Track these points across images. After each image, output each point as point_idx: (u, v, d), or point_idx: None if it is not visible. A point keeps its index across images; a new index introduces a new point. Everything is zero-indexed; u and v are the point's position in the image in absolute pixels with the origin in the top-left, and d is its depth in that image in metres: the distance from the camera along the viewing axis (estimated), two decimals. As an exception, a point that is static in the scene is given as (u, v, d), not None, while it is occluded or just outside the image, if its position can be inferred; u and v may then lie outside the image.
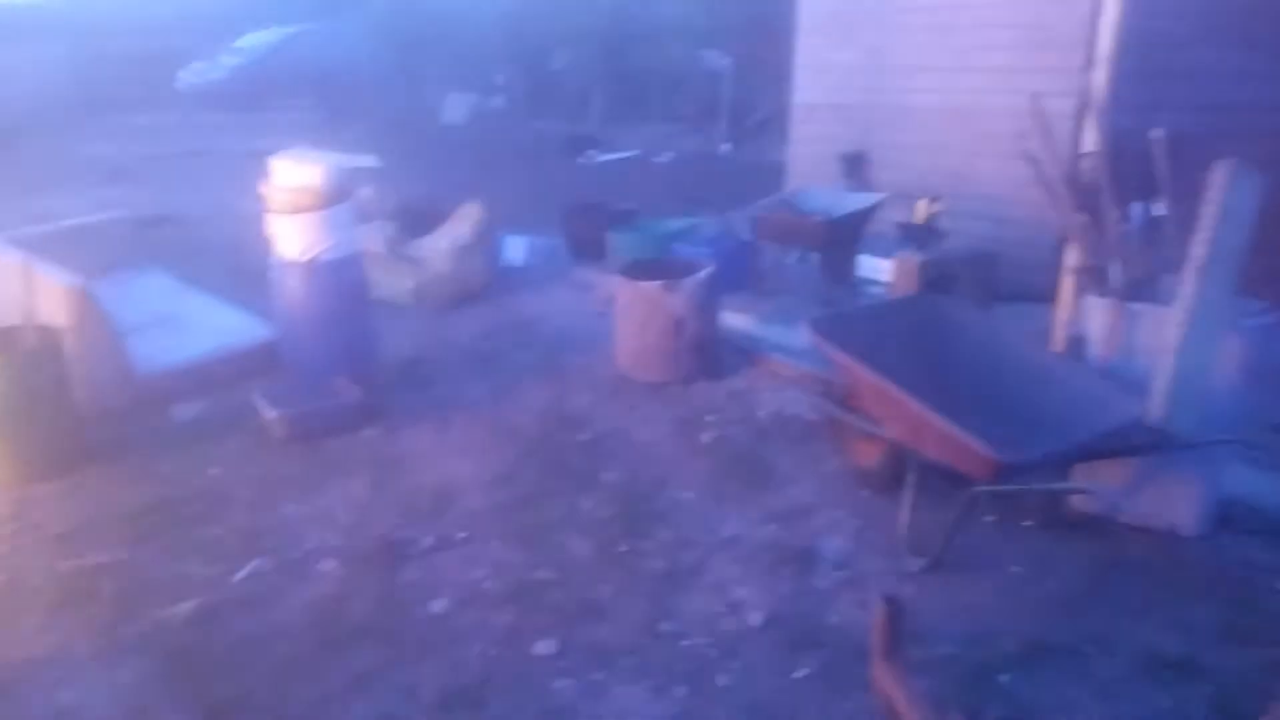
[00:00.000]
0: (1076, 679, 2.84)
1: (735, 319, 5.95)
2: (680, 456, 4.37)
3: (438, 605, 3.26)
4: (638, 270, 5.44)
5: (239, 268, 6.33)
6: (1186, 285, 3.42)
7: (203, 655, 3.02)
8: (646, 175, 12.15)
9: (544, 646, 3.03)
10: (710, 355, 5.32)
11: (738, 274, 6.47)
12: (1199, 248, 3.42)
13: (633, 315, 5.28)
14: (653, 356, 5.21)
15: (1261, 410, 3.75)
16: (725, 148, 14.24)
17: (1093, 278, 4.01)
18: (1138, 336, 3.63)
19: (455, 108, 18.24)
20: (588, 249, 7.40)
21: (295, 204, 4.78)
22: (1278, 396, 3.84)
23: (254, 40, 20.07)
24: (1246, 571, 3.35)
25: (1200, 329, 3.39)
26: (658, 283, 5.16)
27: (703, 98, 15.66)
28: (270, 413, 4.50)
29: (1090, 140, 4.59)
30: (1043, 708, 2.72)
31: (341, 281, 4.88)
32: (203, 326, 5.52)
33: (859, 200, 6.47)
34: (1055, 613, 3.15)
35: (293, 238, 4.80)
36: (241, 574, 3.46)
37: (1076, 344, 3.99)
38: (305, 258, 4.80)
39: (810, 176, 7.85)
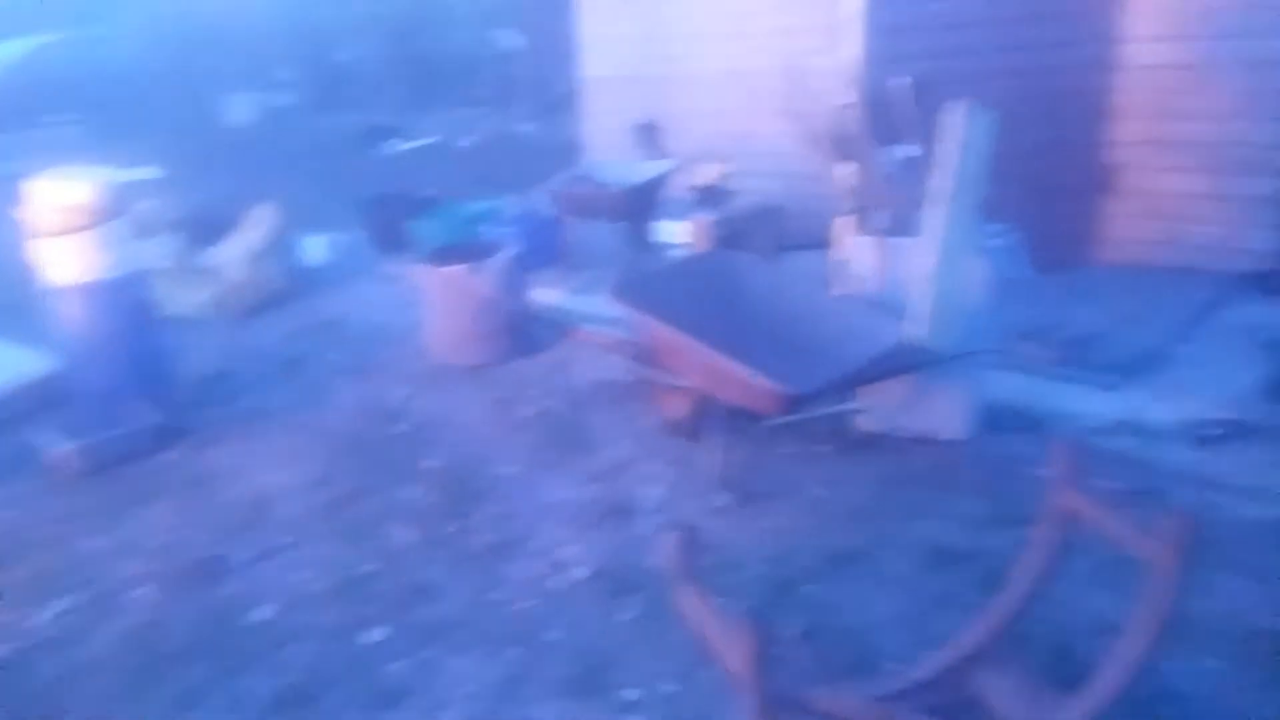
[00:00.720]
0: (869, 579, 3.14)
1: (547, 294, 6.06)
2: (501, 434, 4.45)
3: (262, 613, 3.22)
4: (444, 256, 5.45)
5: (8, 300, 5.88)
6: (935, 216, 3.78)
7: (12, 701, 2.88)
8: (449, 161, 12.01)
9: (374, 635, 3.06)
10: (524, 332, 5.41)
11: (545, 250, 6.58)
12: (943, 181, 3.79)
13: (442, 301, 5.30)
14: (466, 340, 5.24)
15: (1009, 321, 4.19)
16: (526, 127, 14.24)
17: (859, 219, 4.36)
18: (901, 267, 3.98)
19: (240, 108, 17.33)
20: (392, 240, 7.30)
21: (64, 225, 4.49)
22: (1021, 308, 4.30)
23: (-3, 53, 18.32)
24: (1009, 465, 3.77)
25: (951, 254, 3.77)
26: (464, 265, 5.20)
27: (499, 78, 15.57)
28: (61, 446, 4.25)
29: (848, 93, 4.96)
30: (842, 608, 3.00)
31: (123, 301, 4.63)
32: (-26, 366, 5.13)
33: (653, 168, 6.68)
34: (849, 524, 3.46)
35: (65, 261, 4.52)
36: (47, 615, 3.29)
37: (852, 281, 4.33)
38: (81, 280, 4.53)
39: (607, 149, 8.02)
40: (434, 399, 4.86)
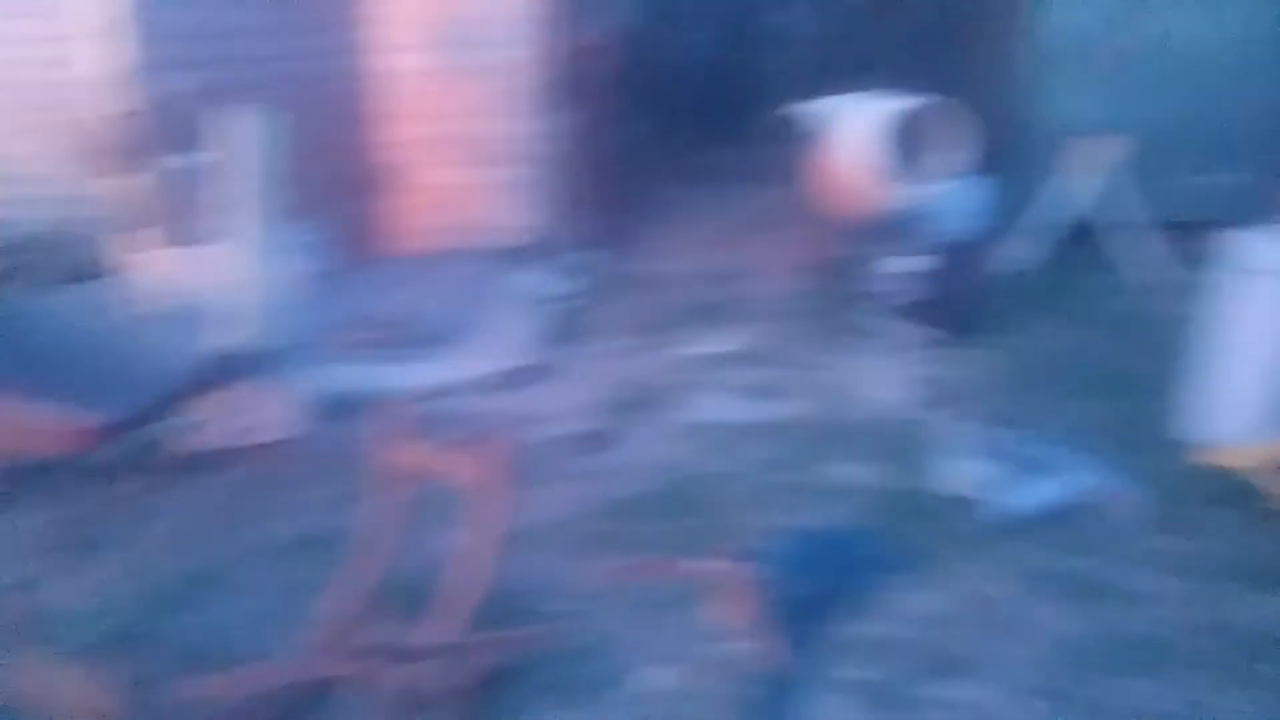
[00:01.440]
0: (233, 590, 3.10)
1: None
2: None
3: None
4: None
5: None
6: (236, 221, 3.77)
7: None
8: None
9: None
10: None
11: None
12: (240, 186, 3.78)
13: None
14: None
15: (324, 315, 4.37)
16: None
17: (152, 233, 4.13)
18: (204, 276, 3.87)
19: None
20: None
21: None
22: (333, 301, 4.50)
23: None
24: (348, 447, 3.89)
25: (257, 256, 3.79)
26: None
27: None
28: None
29: (126, 102, 4.61)
30: (214, 627, 2.90)
31: None
32: None
33: None
34: (199, 546, 3.34)
35: None
36: None
37: (151, 298, 4.07)
38: None
39: None
40: None
